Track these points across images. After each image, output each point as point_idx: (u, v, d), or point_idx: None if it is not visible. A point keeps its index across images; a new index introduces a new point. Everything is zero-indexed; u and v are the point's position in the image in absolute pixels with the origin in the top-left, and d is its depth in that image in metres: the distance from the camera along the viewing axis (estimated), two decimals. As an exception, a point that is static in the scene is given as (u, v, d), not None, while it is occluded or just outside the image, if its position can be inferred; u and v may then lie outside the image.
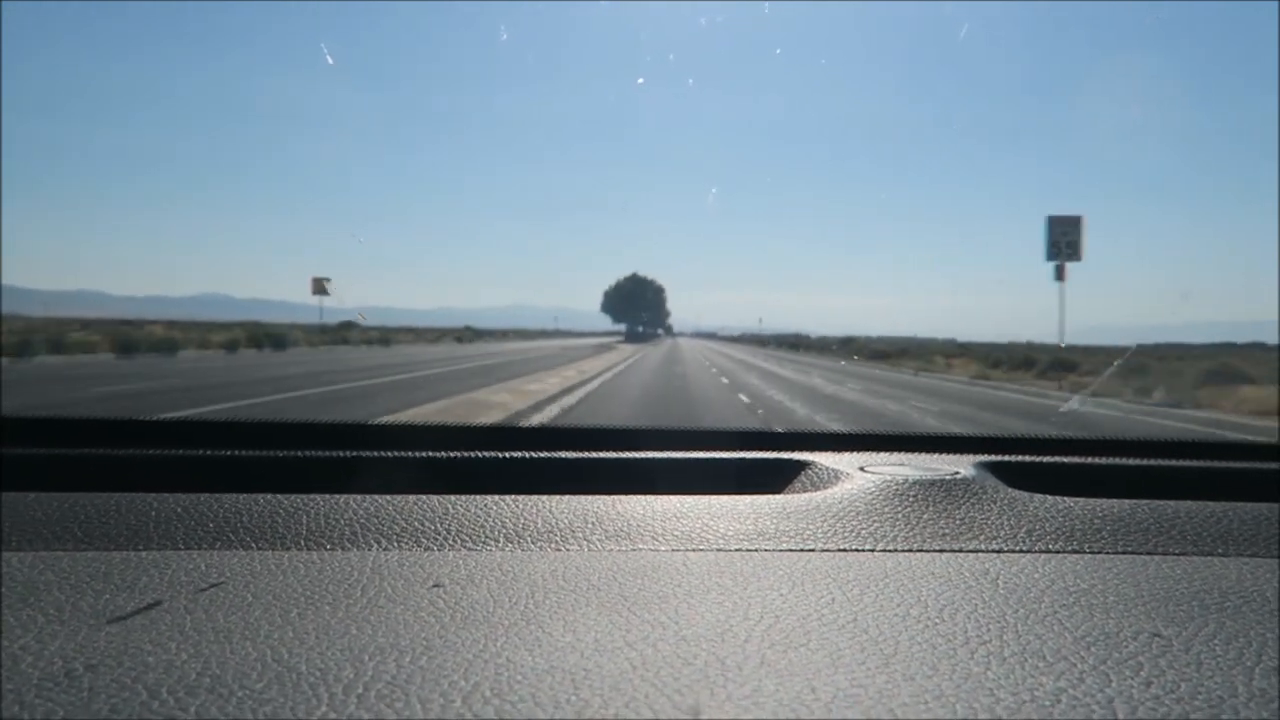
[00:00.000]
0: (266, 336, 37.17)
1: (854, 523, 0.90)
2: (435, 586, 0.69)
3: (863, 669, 0.54)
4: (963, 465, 1.09)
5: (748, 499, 0.97)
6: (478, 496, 0.94)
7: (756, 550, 0.82)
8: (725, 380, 20.78)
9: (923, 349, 41.43)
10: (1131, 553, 0.85)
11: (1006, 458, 1.17)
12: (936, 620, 0.63)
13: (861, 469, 1.08)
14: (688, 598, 0.67)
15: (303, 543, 0.83)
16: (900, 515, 0.92)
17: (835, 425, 11.08)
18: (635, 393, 17.14)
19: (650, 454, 1.16)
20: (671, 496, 0.98)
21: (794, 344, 65.89)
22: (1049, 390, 20.20)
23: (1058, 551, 0.84)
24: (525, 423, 6.19)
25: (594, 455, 1.14)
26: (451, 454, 1.11)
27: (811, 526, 0.89)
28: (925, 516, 0.92)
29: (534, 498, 0.94)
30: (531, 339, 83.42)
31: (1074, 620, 0.64)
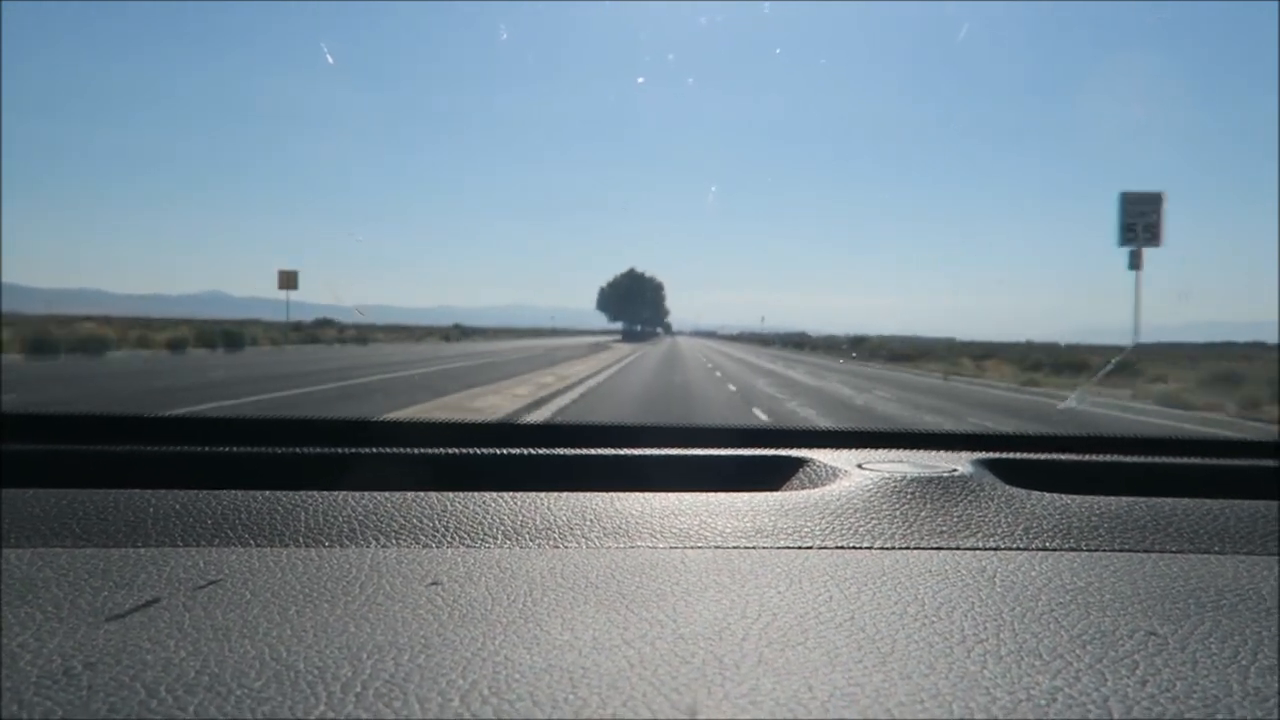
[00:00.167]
0: (222, 335, 33.26)
1: (852, 520, 0.90)
2: (433, 584, 0.69)
3: (860, 667, 0.55)
4: (960, 463, 1.10)
5: (745, 496, 0.97)
6: (476, 494, 0.94)
7: (754, 548, 0.82)
8: (733, 387, 18.53)
9: (947, 350, 37.65)
10: (1129, 550, 0.84)
11: (1004, 455, 1.17)
12: (934, 618, 0.63)
13: (859, 466, 1.07)
14: (685, 595, 0.67)
15: (301, 540, 0.82)
16: (898, 513, 0.92)
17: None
18: (626, 409, 14.80)
19: (648, 451, 1.15)
20: (669, 494, 0.98)
21: (798, 343, 63.28)
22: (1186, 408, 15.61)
23: (1055, 549, 0.84)
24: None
25: (592, 452, 1.14)
26: (450, 451, 1.11)
27: (809, 524, 0.89)
28: (923, 514, 0.92)
29: (532, 495, 0.94)
30: (524, 338, 79.90)
31: (1071, 618, 0.64)
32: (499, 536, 0.83)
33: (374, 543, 0.81)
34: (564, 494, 0.95)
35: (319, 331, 43.26)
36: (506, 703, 0.49)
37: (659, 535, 0.85)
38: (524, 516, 0.88)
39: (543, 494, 0.94)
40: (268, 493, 0.91)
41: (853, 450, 1.19)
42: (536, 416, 12.12)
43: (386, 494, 0.92)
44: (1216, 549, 0.85)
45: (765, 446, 1.20)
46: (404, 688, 0.50)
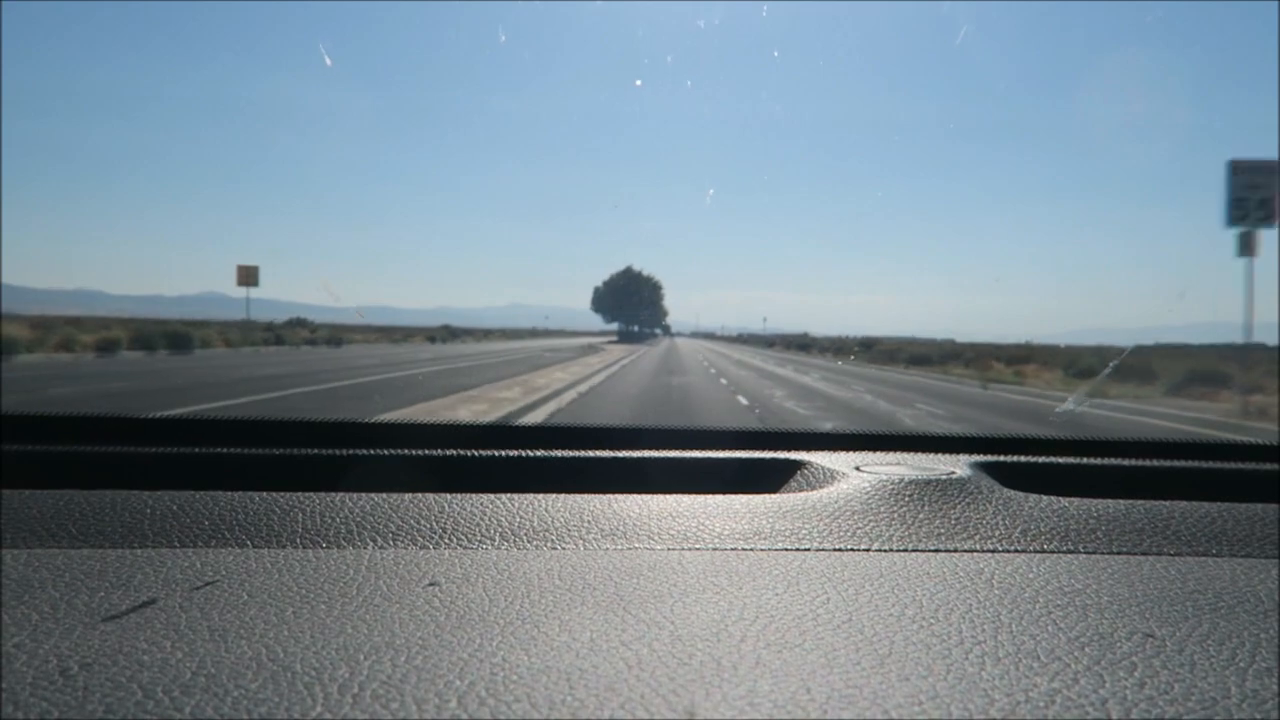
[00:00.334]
0: (164, 336, 29.62)
1: (849, 522, 0.90)
2: (431, 585, 0.69)
3: (858, 669, 0.55)
4: (958, 465, 1.09)
5: (743, 498, 0.97)
6: (473, 495, 0.93)
7: (752, 550, 0.82)
8: (744, 401, 15.84)
9: (975, 353, 34.05)
10: (1126, 553, 0.84)
11: (1002, 458, 1.16)
12: (931, 620, 0.64)
13: (857, 469, 1.07)
14: (683, 597, 0.67)
15: (298, 541, 0.82)
16: (895, 515, 0.92)
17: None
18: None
19: (646, 453, 1.15)
20: (667, 495, 0.98)
21: (803, 345, 59.73)
22: None
23: (1052, 552, 0.84)
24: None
25: (590, 454, 1.14)
26: (447, 452, 1.10)
27: (807, 526, 0.89)
28: (920, 516, 0.92)
29: (530, 496, 0.94)
30: (516, 339, 76.52)
31: (1068, 620, 0.64)
32: (496, 538, 0.83)
33: (371, 544, 0.81)
34: (562, 496, 0.95)
35: (287, 332, 39.58)
36: (504, 704, 0.49)
37: (657, 537, 0.85)
38: (522, 518, 0.88)
39: (540, 495, 0.94)
40: (265, 494, 0.91)
41: (850, 452, 1.20)
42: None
43: (384, 495, 0.92)
44: (1214, 552, 0.85)
45: (763, 449, 1.20)
46: (401, 689, 0.50)
